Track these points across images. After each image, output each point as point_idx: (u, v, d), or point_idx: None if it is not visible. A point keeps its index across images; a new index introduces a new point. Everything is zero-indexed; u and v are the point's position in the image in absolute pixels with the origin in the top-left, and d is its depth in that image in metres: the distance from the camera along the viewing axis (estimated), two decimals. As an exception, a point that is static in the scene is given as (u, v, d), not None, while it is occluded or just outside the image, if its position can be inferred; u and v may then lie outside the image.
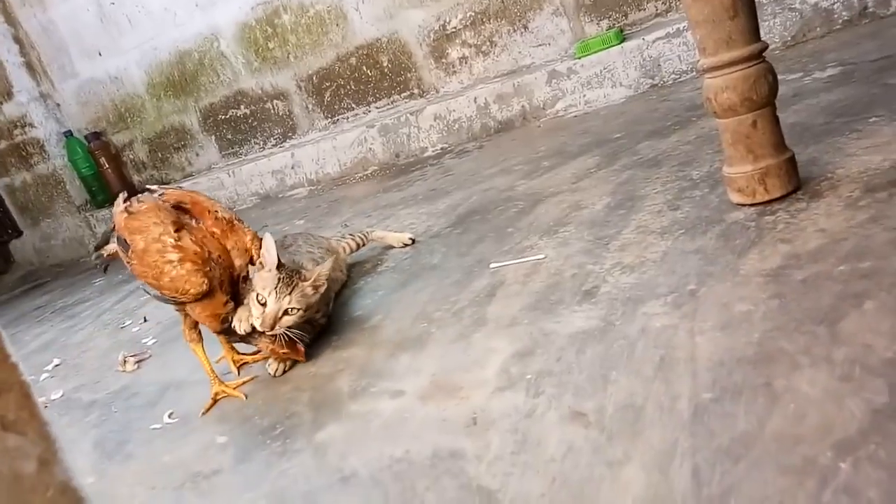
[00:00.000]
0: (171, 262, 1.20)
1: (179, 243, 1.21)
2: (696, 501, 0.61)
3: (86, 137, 3.64)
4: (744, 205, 1.17)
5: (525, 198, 1.73)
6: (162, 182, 3.67)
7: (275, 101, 3.27)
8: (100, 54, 3.51)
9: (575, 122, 2.37)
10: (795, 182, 1.16)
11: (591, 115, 2.39)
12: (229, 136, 3.45)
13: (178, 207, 1.28)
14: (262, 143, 3.39)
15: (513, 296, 1.21)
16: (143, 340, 1.83)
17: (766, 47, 1.12)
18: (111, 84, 3.57)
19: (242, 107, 3.35)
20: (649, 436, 0.72)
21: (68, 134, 3.64)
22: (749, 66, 1.10)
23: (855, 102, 1.48)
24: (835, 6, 2.11)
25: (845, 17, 2.10)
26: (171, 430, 1.24)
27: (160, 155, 3.66)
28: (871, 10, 2.08)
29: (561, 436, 0.78)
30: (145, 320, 2.01)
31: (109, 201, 3.65)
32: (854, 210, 1.02)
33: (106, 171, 3.64)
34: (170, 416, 1.28)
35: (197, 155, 3.58)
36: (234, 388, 1.27)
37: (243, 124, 3.39)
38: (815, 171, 1.20)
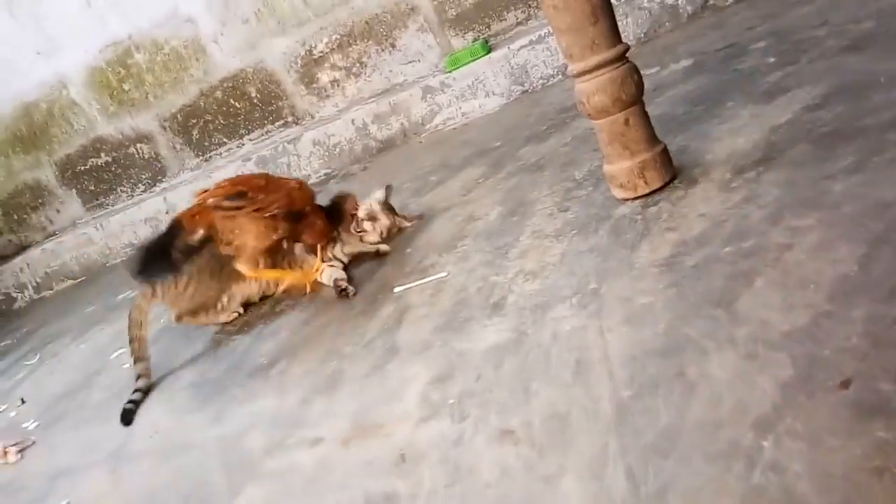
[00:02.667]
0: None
1: None
2: (635, 503, 0.62)
3: (-75, 207, 3.27)
4: (627, 199, 1.22)
5: (418, 217, 1.72)
6: (22, 246, 3.37)
7: (138, 145, 3.08)
8: (-70, 115, 3.18)
9: (455, 135, 2.40)
10: (671, 172, 1.21)
11: (469, 125, 2.43)
12: (92, 188, 3.22)
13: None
14: (129, 190, 3.18)
15: (421, 319, 1.19)
16: (24, 425, 1.65)
17: (628, 48, 1.17)
18: (-53, 145, 3.24)
19: (103, 155, 3.14)
20: (579, 443, 0.72)
21: None
22: (615, 68, 1.15)
23: (710, 90, 1.59)
24: (679, 2, 2.26)
25: (690, 12, 2.25)
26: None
27: (16, 217, 3.36)
28: (711, 2, 2.24)
29: (493, 458, 0.77)
30: (23, 402, 1.82)
31: (-39, 274, 3.30)
32: (728, 192, 1.08)
33: (-46, 242, 3.29)
34: (64, 508, 1.16)
35: (58, 211, 3.31)
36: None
37: (106, 173, 3.17)
38: (687, 158, 1.27)
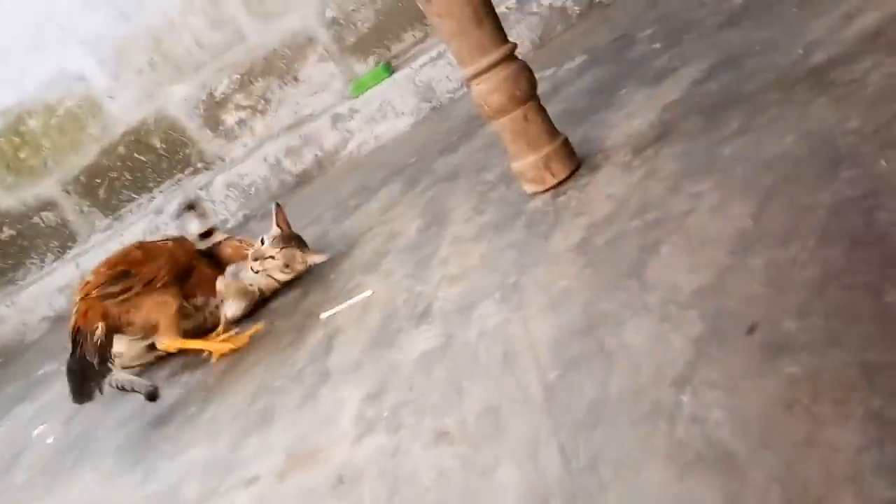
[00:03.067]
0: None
1: None
2: (568, 478, 0.61)
3: None
4: (537, 192, 1.23)
5: (340, 241, 1.70)
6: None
7: (43, 213, 2.94)
8: None
9: (370, 158, 2.40)
10: (576, 161, 1.24)
11: (383, 147, 2.43)
12: (-1, 264, 3.05)
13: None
14: (39, 261, 3.03)
15: (351, 339, 1.16)
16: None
17: (515, 46, 1.19)
18: None
19: (6, 229, 2.98)
20: (512, 432, 0.71)
21: None
22: (506, 67, 1.17)
23: (605, 81, 1.64)
24: (567, 4, 2.34)
25: (578, 12, 2.33)
26: None
27: (-83, 306, 3.14)
28: (596, 1, 2.33)
29: (430, 462, 0.75)
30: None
31: None
32: (629, 172, 1.11)
33: None
34: None
35: (-37, 295, 3.11)
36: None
37: (11, 248, 3.01)
38: (589, 146, 1.30)
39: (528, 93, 1.19)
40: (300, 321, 1.37)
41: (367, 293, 1.28)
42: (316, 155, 2.55)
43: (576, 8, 2.33)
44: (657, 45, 1.64)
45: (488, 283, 1.05)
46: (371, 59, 2.62)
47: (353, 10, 2.56)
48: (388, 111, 2.47)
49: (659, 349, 0.69)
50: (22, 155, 2.85)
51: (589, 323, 0.80)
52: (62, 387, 1.97)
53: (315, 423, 0.98)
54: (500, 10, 2.27)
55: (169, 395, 1.42)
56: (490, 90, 1.18)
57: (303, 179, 2.58)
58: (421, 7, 1.17)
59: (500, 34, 1.18)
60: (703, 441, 0.56)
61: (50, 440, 1.61)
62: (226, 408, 1.20)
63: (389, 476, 0.77)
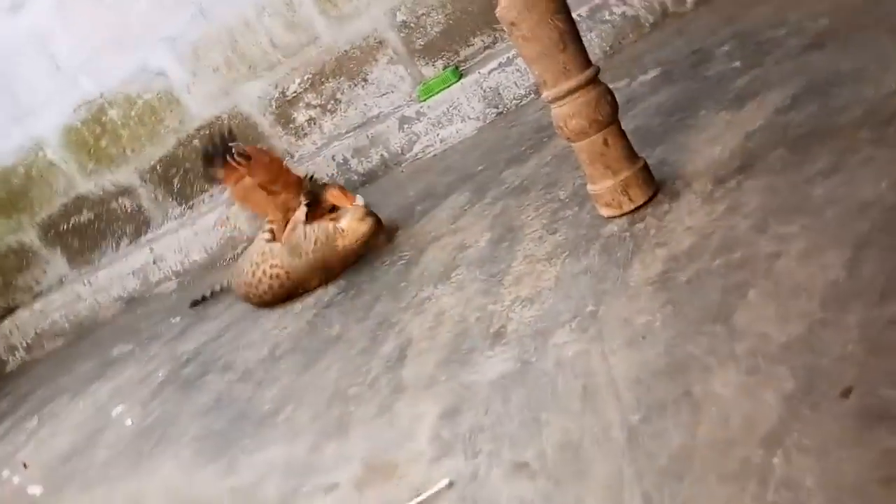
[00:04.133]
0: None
1: None
2: (657, 529, 0.63)
3: None
4: (614, 217, 1.24)
5: (409, 247, 1.73)
6: (10, 308, 3.34)
7: (120, 199, 3.08)
8: None
9: (436, 162, 2.42)
10: (654, 186, 1.24)
11: (449, 151, 2.45)
12: (76, 245, 3.21)
13: None
14: (114, 244, 3.17)
15: (424, 353, 1.20)
16: (30, 492, 1.63)
17: (598, 71, 1.19)
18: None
19: (85, 212, 3.13)
20: (594, 472, 0.73)
21: None
22: (588, 91, 1.17)
23: (681, 99, 1.62)
24: (640, 13, 2.31)
25: (651, 21, 2.30)
26: None
27: (2, 280, 3.33)
28: (671, 10, 2.29)
29: (510, 493, 0.78)
30: (25, 467, 1.80)
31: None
32: (711, 203, 1.10)
33: (-60, 312, 3.26)
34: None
35: (44, 272, 3.29)
36: None
37: (89, 230, 3.16)
38: (668, 171, 1.29)
39: (609, 117, 1.20)
40: (372, 327, 1.41)
41: (444, 483, 0.85)
42: (382, 156, 2.59)
43: (649, 17, 2.30)
44: (737, 64, 1.61)
45: (564, 309, 1.06)
46: (439, 63, 2.64)
47: (423, 14, 2.58)
48: (454, 115, 2.49)
49: (748, 403, 0.69)
50: (103, 143, 2.98)
51: (673, 366, 0.81)
52: (137, 370, 2.09)
53: (392, 437, 1.02)
54: (573, 17, 2.27)
55: (243, 390, 1.48)
56: (571, 114, 1.19)
57: (368, 179, 2.62)
58: (506, 30, 1.18)
59: (584, 57, 1.18)
60: (796, 506, 0.57)
61: (129, 422, 1.70)
62: (303, 409, 1.25)
63: (469, 502, 0.80)
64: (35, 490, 1.63)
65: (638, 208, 1.22)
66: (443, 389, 1.06)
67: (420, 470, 0.91)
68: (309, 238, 1.75)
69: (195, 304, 2.31)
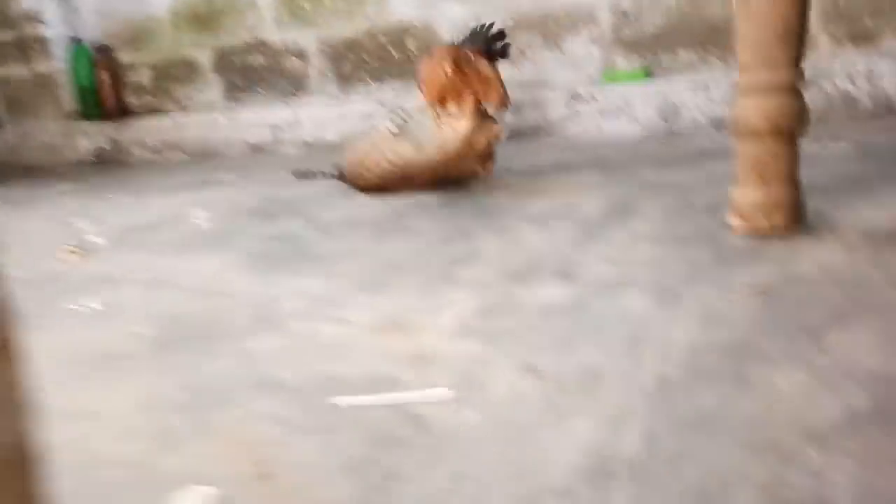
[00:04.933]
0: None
1: None
2: (645, 459, 0.55)
3: (94, 48, 3.54)
4: (743, 232, 1.13)
5: (521, 192, 1.68)
6: (156, 110, 3.58)
7: (293, 59, 3.21)
8: (131, -31, 3.45)
9: (586, 147, 2.35)
10: (799, 221, 1.12)
11: (602, 142, 2.37)
12: (237, 82, 3.38)
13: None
14: (267, 94, 3.32)
15: (488, 263, 1.15)
16: (93, 239, 1.73)
17: (803, 80, 1.09)
18: (135, 2, 3.49)
19: (260, 56, 3.29)
20: (606, 398, 0.66)
21: (77, 41, 3.54)
22: (786, 94, 1.07)
23: (866, 174, 1.47)
24: (860, 96, 2.13)
25: (870, 108, 2.11)
26: (95, 316, 1.15)
27: (163, 84, 3.57)
28: (895, 107, 2.09)
29: (511, 383, 0.72)
30: (101, 225, 1.91)
31: (100, 117, 3.54)
32: (852, 252, 0.98)
33: (104, 86, 3.54)
34: (99, 305, 1.20)
35: (200, 92, 3.50)
36: None
37: (255, 74, 3.32)
38: (819, 220, 1.17)
39: (791, 129, 1.09)
40: (450, 231, 1.37)
41: (447, 392, 0.75)
42: (537, 120, 2.55)
43: (869, 103, 2.11)
44: (945, 167, 1.44)
45: (648, 278, 0.98)
46: (636, 61, 2.56)
47: (644, 9, 2.50)
48: (623, 112, 2.41)
49: (806, 403, 0.60)
50: (303, 3, 3.11)
51: (737, 349, 0.72)
52: (231, 194, 2.17)
53: (423, 307, 0.98)
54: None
55: (312, 236, 1.49)
56: (756, 107, 1.09)
57: (514, 135, 2.59)
58: (734, 4, 1.10)
59: (798, 62, 1.08)
60: (813, 495, 0.48)
61: (202, 224, 1.77)
62: (353, 264, 1.24)
63: (467, 377, 0.75)
64: (98, 241, 1.72)
65: (772, 233, 1.11)
66: (491, 293, 1.01)
67: (433, 340, 0.87)
68: (434, 137, 1.74)
69: (302, 175, 2.32)
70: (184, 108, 3.51)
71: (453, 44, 1.94)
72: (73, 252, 1.58)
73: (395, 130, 1.91)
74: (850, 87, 2.12)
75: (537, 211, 1.47)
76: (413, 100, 2.77)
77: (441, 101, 1.87)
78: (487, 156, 1.74)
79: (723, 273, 0.97)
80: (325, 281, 1.17)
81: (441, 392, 0.71)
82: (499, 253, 1.21)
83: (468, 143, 1.71)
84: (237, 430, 0.70)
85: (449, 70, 1.85)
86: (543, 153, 2.26)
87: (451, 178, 1.77)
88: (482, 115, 1.77)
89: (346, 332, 0.93)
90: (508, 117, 2.60)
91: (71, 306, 1.18)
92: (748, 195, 1.13)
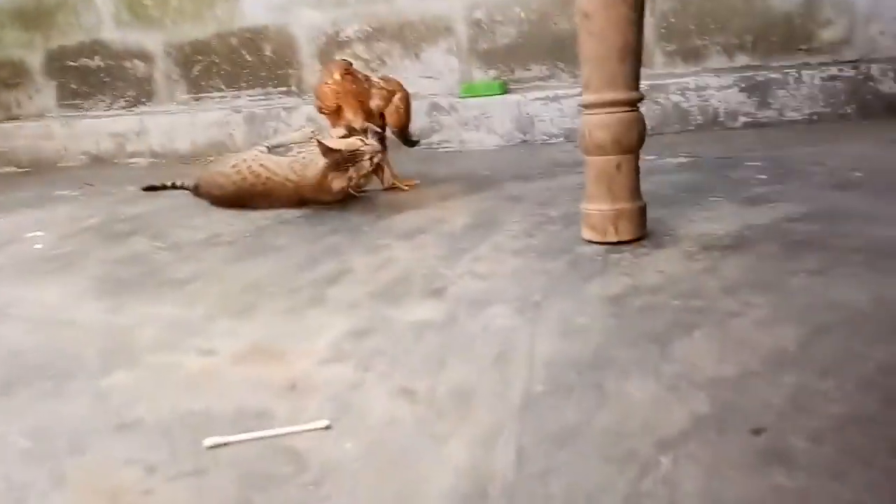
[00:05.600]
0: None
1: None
2: (516, 478, 0.58)
3: None
4: (594, 242, 1.21)
5: (387, 207, 1.69)
6: (-21, 116, 3.22)
7: (136, 61, 3.01)
8: (-60, -44, 3.07)
9: (447, 157, 2.40)
10: (643, 230, 1.22)
11: (463, 154, 2.44)
12: (74, 87, 3.12)
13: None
14: (109, 102, 3.09)
15: (358, 282, 1.15)
16: None
17: (642, 98, 1.19)
18: (-54, -6, 3.12)
19: (97, 58, 3.05)
20: (478, 417, 0.69)
21: None
22: (625, 111, 1.16)
23: (699, 184, 1.62)
24: (691, 109, 2.35)
25: (700, 121, 2.33)
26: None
27: (-15, 87, 3.22)
28: (721, 119, 2.33)
29: (386, 408, 0.72)
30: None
31: None
32: (690, 261, 1.08)
33: (-89, 88, 3.13)
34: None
35: (30, 98, 3.19)
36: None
37: (94, 77, 3.08)
38: (660, 228, 1.28)
39: (633, 145, 1.18)
40: (318, 251, 1.35)
41: (322, 424, 0.70)
42: (399, 130, 2.57)
43: (699, 117, 2.33)
44: (763, 177, 1.63)
45: (511, 292, 1.03)
46: (492, 72, 2.65)
47: (498, 21, 2.60)
48: (482, 124, 2.49)
49: (656, 411, 0.65)
50: (147, 1, 2.93)
51: (595, 361, 0.77)
52: (71, 211, 2.00)
53: (291, 332, 0.96)
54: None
55: (164, 257, 1.41)
56: (599, 125, 1.17)
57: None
58: (577, 20, 1.17)
59: (636, 80, 1.18)
60: (667, 502, 0.52)
61: (38, 246, 1.61)
62: (214, 287, 1.19)
63: (340, 403, 0.74)
64: None
65: (620, 243, 1.19)
66: (361, 313, 1.00)
67: (305, 365, 0.85)
68: (315, 162, 1.68)
69: (151, 188, 2.18)
70: (12, 116, 3.18)
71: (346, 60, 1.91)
72: None
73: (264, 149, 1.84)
74: (681, 100, 2.33)
75: (405, 226, 1.49)
76: (274, 108, 2.70)
77: (337, 111, 1.83)
78: (351, 185, 1.70)
79: (578, 285, 1.03)
80: (182, 307, 1.11)
81: (317, 423, 0.70)
82: (368, 271, 1.21)
83: (323, 178, 1.67)
84: (95, 478, 0.65)
85: (338, 76, 1.82)
86: (406, 164, 2.29)
87: (314, 202, 1.73)
88: (364, 133, 1.75)
89: (209, 363, 0.89)
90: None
91: None
92: (597, 207, 1.21)
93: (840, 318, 0.82)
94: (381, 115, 1.88)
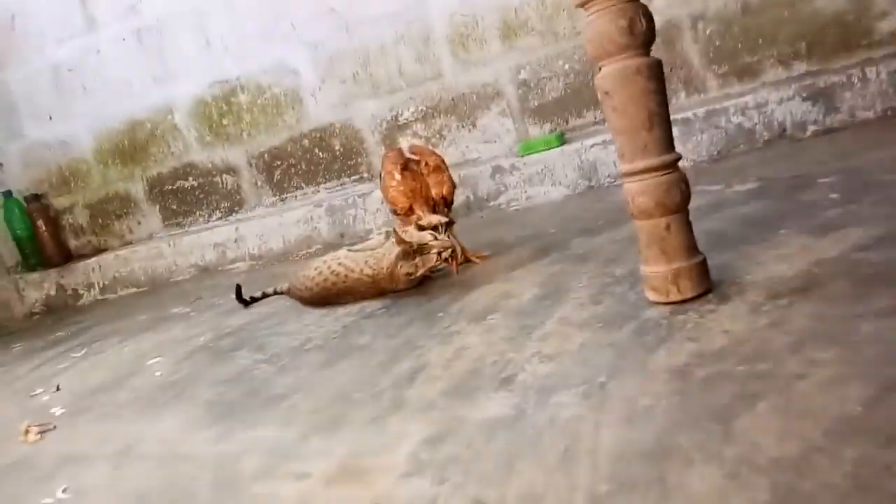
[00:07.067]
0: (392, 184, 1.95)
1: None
2: None
3: (25, 198, 3.56)
4: (658, 303, 1.22)
5: (461, 285, 1.76)
6: (99, 249, 3.60)
7: (224, 176, 3.29)
8: (50, 118, 3.50)
9: (516, 216, 2.45)
10: (706, 284, 1.21)
11: (531, 209, 2.48)
12: (174, 207, 3.43)
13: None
14: (207, 215, 3.38)
15: (434, 379, 1.21)
16: (52, 410, 1.73)
17: (678, 158, 1.20)
18: (59, 148, 3.55)
19: (191, 179, 3.36)
20: (544, 527, 0.72)
21: (7, 194, 3.56)
22: (662, 175, 1.18)
23: (768, 215, 1.58)
24: (757, 127, 2.29)
25: (766, 137, 2.27)
26: (61, 507, 1.16)
27: (101, 221, 3.60)
28: (789, 132, 2.25)
29: (459, 524, 0.77)
30: (58, 389, 1.91)
31: (42, 265, 3.54)
32: (757, 314, 1.07)
33: (42, 234, 3.55)
34: (63, 492, 1.21)
35: (139, 223, 3.53)
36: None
37: (190, 196, 3.38)
38: (727, 275, 1.27)
39: (677, 204, 1.19)
40: (397, 346, 1.43)
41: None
42: (468, 197, 2.65)
43: (765, 134, 2.27)
44: (834, 196, 1.57)
45: (577, 374, 1.05)
46: (547, 126, 2.70)
47: (544, 77, 2.66)
48: (546, 177, 2.53)
49: (717, 503, 0.66)
50: (225, 122, 3.21)
51: (658, 451, 0.79)
52: (184, 331, 2.19)
53: (374, 446, 1.03)
54: (686, 114, 2.28)
55: (265, 371, 1.53)
56: (640, 191, 1.19)
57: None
58: (599, 98, 1.21)
59: (668, 142, 1.19)
60: None
61: (158, 374, 1.79)
62: (308, 401, 1.28)
63: (419, 522, 0.80)
64: (56, 410, 1.73)
65: (684, 301, 1.19)
66: (437, 416, 1.06)
67: (387, 482, 0.91)
68: (388, 255, 1.79)
69: (244, 302, 2.22)
70: (126, 242, 3.54)
71: (397, 148, 2.02)
72: (33, 430, 1.58)
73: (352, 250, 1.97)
74: (743, 120, 2.28)
75: (477, 306, 1.54)
76: (350, 196, 2.86)
77: (408, 210, 1.94)
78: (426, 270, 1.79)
79: (643, 357, 1.04)
80: (280, 427, 1.21)
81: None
82: (443, 364, 1.27)
83: (395, 268, 1.77)
84: None
85: (398, 175, 1.93)
86: (478, 231, 2.36)
87: (390, 291, 1.83)
88: (431, 225, 1.83)
89: (304, 488, 0.97)
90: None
91: (43, 500, 1.19)
92: (655, 269, 1.22)
93: (909, 370, 0.79)
94: (443, 197, 1.96)
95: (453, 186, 1.99)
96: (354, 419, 1.14)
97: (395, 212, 1.97)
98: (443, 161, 1.99)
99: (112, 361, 2.07)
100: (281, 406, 1.30)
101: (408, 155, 1.98)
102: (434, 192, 1.93)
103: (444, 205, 1.95)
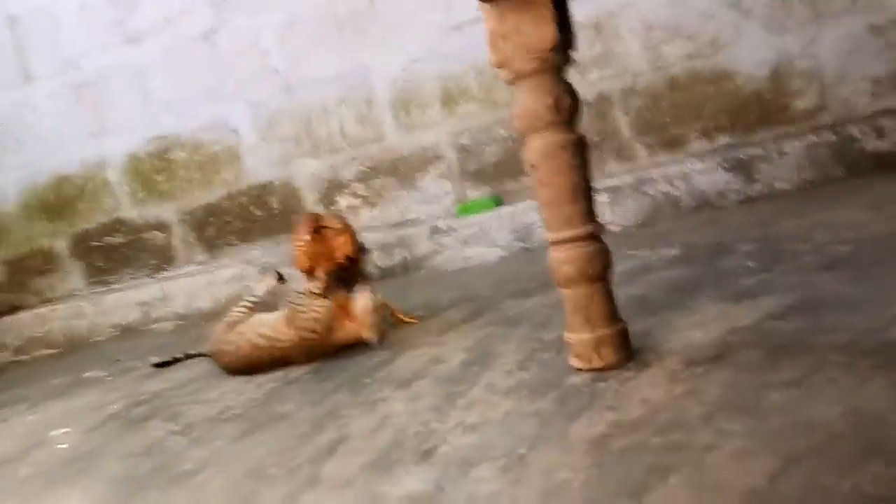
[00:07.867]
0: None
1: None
2: None
3: (-62, 253, 3.37)
4: (581, 370, 1.22)
5: (389, 349, 1.73)
6: (15, 307, 3.41)
7: (154, 232, 3.20)
8: (-26, 171, 3.36)
9: (451, 276, 2.46)
10: (627, 352, 1.22)
11: (467, 270, 2.49)
12: (100, 264, 3.31)
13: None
14: (133, 273, 3.26)
15: (355, 452, 1.16)
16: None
17: (601, 229, 1.22)
18: (-23, 201, 3.39)
19: (119, 235, 3.25)
20: None
21: (-81, 247, 3.37)
22: (586, 245, 1.20)
23: (689, 281, 1.63)
24: (682, 195, 2.38)
25: (691, 206, 2.36)
26: None
27: (19, 278, 3.43)
28: (712, 201, 2.35)
29: None
30: None
31: (-47, 322, 3.33)
32: (674, 383, 1.08)
33: (-45, 291, 3.35)
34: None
35: (61, 280, 3.38)
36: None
37: (117, 253, 3.27)
38: (647, 342, 1.28)
39: (599, 273, 1.21)
40: (320, 415, 1.38)
41: None
42: (405, 257, 2.65)
43: (690, 202, 2.36)
44: (750, 264, 1.63)
45: (499, 445, 1.03)
46: (485, 189, 2.74)
47: (483, 143, 2.72)
48: (482, 239, 2.55)
49: (621, 586, 0.65)
50: (158, 178, 3.14)
51: (570, 528, 0.77)
52: (97, 397, 2.08)
53: (285, 526, 0.98)
54: (616, 182, 2.36)
55: (176, 443, 1.45)
56: (564, 260, 1.21)
57: (384, 275, 2.67)
58: (527, 170, 1.23)
59: (591, 214, 1.22)
60: None
61: (64, 446, 1.67)
62: (218, 478, 1.22)
63: None
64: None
65: (605, 368, 1.20)
66: (353, 493, 1.02)
67: (295, 565, 0.86)
68: (313, 316, 1.76)
69: (163, 365, 2.17)
70: (45, 300, 3.37)
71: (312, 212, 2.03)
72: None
73: (251, 305, 1.94)
74: (670, 189, 2.37)
75: (405, 371, 1.51)
76: (280, 256, 2.81)
77: (311, 270, 1.92)
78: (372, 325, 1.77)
79: (564, 427, 1.03)
80: (189, 504, 1.14)
81: None
82: (365, 435, 1.23)
83: (327, 324, 1.75)
84: None
85: (307, 237, 1.91)
86: (413, 292, 2.34)
87: (323, 354, 1.79)
88: (336, 285, 1.83)
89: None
90: (378, 260, 2.69)
91: None
92: (578, 336, 1.23)
93: (811, 444, 0.81)
94: (350, 259, 1.97)
95: (359, 247, 2.01)
96: (265, 498, 1.09)
97: (299, 268, 1.98)
98: (349, 226, 2.02)
99: (16, 432, 1.93)
100: (190, 483, 1.23)
101: (322, 222, 2.01)
102: (338, 253, 1.94)
103: (349, 264, 1.95)
